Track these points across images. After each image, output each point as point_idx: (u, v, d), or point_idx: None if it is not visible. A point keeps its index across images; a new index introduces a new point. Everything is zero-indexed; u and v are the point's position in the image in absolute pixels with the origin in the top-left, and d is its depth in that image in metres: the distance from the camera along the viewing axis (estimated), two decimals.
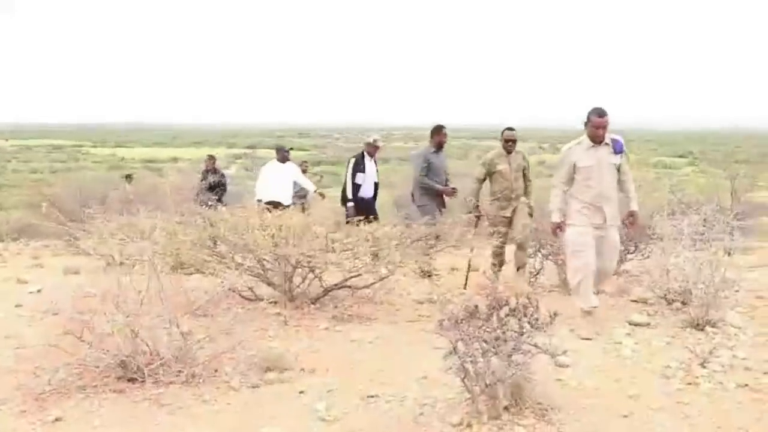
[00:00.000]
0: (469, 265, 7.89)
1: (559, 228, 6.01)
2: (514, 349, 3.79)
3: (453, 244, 7.10)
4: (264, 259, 6.34)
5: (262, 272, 6.48)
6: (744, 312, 6.11)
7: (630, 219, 6.14)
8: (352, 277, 6.46)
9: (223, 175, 13.77)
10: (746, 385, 4.53)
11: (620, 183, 6.06)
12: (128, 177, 16.62)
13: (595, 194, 5.92)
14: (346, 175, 9.06)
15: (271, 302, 6.38)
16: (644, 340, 5.48)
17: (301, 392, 4.46)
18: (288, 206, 9.78)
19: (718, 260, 6.11)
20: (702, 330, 5.67)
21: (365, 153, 9.13)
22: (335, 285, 6.60)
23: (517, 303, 3.76)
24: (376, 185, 9.26)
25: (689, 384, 4.59)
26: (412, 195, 8.65)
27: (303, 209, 13.58)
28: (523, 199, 7.93)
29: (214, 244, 6.59)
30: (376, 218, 8.55)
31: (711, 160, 12.59)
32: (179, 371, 4.48)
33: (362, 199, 9.04)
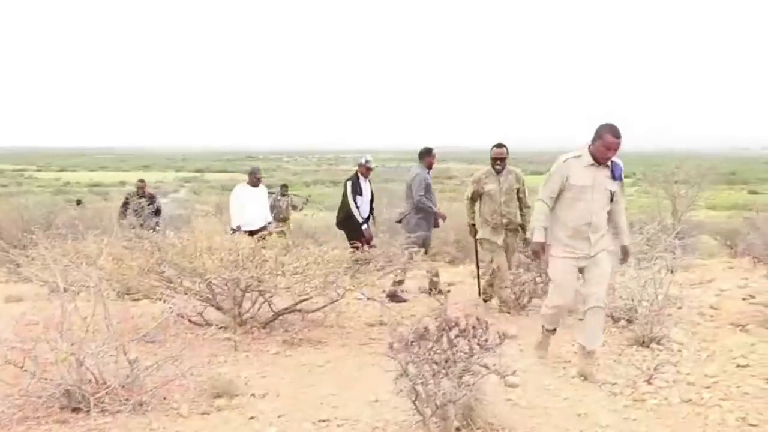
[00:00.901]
0: (478, 276, 7.92)
1: (542, 249, 5.22)
2: (464, 370, 3.81)
3: (402, 266, 7.13)
4: (213, 284, 6.27)
5: (211, 297, 6.41)
6: (687, 328, 6.26)
7: (623, 255, 5.44)
8: (302, 300, 6.43)
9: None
10: (690, 399, 4.65)
11: (610, 213, 5.29)
12: (79, 202, 16.42)
13: (582, 220, 5.14)
14: (346, 199, 8.79)
15: (220, 327, 6.31)
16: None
17: (252, 418, 4.41)
18: (266, 227, 9.64)
19: (662, 278, 6.27)
20: (647, 347, 5.79)
21: (359, 174, 8.90)
22: (285, 309, 6.56)
23: (467, 324, 3.80)
24: (371, 206, 9.11)
25: (636, 401, 4.69)
26: (404, 217, 8.61)
27: (283, 233, 13.41)
28: (528, 235, 7.01)
29: (159, 265, 6.48)
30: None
31: (653, 180, 12.88)
32: (126, 399, 4.38)
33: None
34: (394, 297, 8.06)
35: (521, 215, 7.34)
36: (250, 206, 9.74)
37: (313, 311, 6.59)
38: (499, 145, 7.29)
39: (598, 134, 5.01)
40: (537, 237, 5.20)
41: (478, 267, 8.04)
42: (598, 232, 5.18)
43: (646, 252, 6.97)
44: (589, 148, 5.10)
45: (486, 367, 3.89)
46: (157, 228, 8.64)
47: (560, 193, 5.21)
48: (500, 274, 7.24)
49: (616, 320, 6.49)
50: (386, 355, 3.93)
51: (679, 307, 6.80)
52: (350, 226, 8.65)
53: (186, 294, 6.23)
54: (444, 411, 3.85)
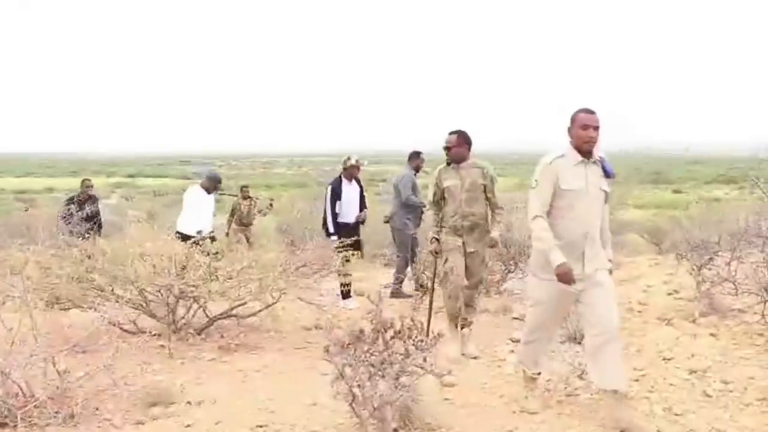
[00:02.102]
0: (431, 309, 6.37)
1: (570, 271, 4.15)
2: (400, 371, 3.84)
3: (337, 269, 7.13)
4: (146, 291, 6.16)
5: (144, 304, 6.28)
6: None
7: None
8: (237, 305, 6.37)
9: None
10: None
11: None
12: (27, 209, 15.98)
13: (578, 231, 4.27)
14: (325, 206, 8.35)
15: (154, 335, 6.18)
16: None
17: (188, 426, 4.35)
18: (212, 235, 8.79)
19: None
20: (579, 343, 5.93)
21: (343, 177, 8.37)
22: (221, 314, 6.49)
23: (402, 325, 3.83)
24: (364, 206, 8.51)
25: (569, 395, 4.80)
26: (392, 217, 8.77)
27: (248, 240, 12.90)
28: (494, 234, 6.06)
29: (89, 273, 6.33)
30: (358, 242, 8.15)
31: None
32: (56, 412, 4.27)
33: (345, 224, 8.25)
34: (397, 294, 8.48)
35: (493, 220, 6.10)
36: (206, 212, 8.87)
37: (249, 316, 6.54)
38: (451, 132, 6.04)
39: (572, 120, 4.37)
40: (556, 258, 4.17)
41: (432, 290, 6.46)
42: (594, 245, 4.34)
43: None
44: (570, 143, 4.38)
45: (422, 367, 3.92)
46: (87, 235, 8.26)
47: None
48: (452, 278, 5.96)
49: None
50: (323, 358, 3.93)
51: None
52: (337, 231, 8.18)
53: (118, 302, 6.10)
54: (381, 412, 3.87)
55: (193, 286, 6.01)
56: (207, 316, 6.48)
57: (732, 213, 9.32)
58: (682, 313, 6.62)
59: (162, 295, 6.15)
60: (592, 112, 4.31)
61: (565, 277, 4.14)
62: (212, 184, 8.96)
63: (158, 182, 50.64)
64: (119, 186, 50.18)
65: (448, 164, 6.06)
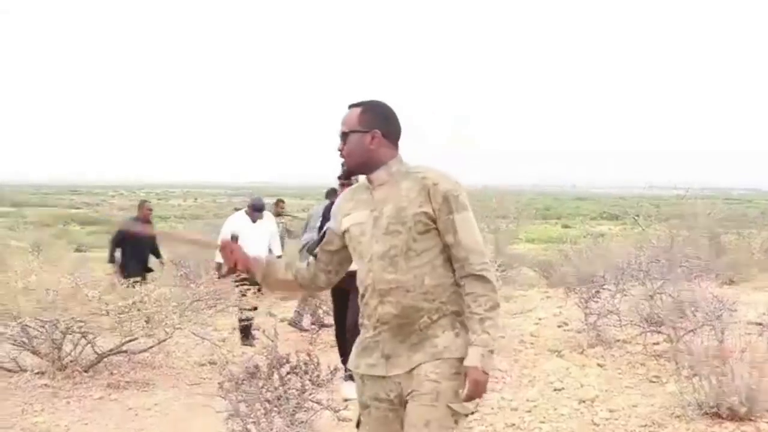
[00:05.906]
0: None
1: None
2: (296, 407, 3.82)
3: (234, 304, 6.99)
4: (28, 326, 5.86)
5: (26, 340, 5.98)
6: (509, 356, 6.59)
7: None
8: (128, 341, 6.15)
9: None
10: (513, 424, 4.91)
11: None
12: None
13: None
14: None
15: (37, 373, 5.89)
16: None
17: None
18: None
19: None
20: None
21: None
22: (110, 350, 6.24)
23: (298, 360, 3.81)
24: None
25: (464, 429, 4.86)
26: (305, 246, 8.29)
27: None
28: (471, 360, 2.38)
29: None
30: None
31: (476, 214, 13.57)
32: None
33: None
34: (295, 324, 8.32)
35: (469, 311, 2.44)
36: (251, 242, 7.19)
37: (141, 352, 6.33)
38: (352, 105, 2.63)
39: None
40: None
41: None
42: None
43: None
44: None
45: (319, 402, 3.91)
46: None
47: None
48: None
49: None
50: (217, 395, 3.86)
51: (502, 337, 7.13)
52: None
53: None
54: None
55: (82, 321, 5.77)
56: (96, 352, 6.22)
57: (616, 248, 9.77)
58: (571, 344, 6.85)
59: (47, 330, 5.87)
60: None
61: None
62: (252, 213, 8.11)
63: (46, 212, 48.39)
64: (1, 216, 47.75)
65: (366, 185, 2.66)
